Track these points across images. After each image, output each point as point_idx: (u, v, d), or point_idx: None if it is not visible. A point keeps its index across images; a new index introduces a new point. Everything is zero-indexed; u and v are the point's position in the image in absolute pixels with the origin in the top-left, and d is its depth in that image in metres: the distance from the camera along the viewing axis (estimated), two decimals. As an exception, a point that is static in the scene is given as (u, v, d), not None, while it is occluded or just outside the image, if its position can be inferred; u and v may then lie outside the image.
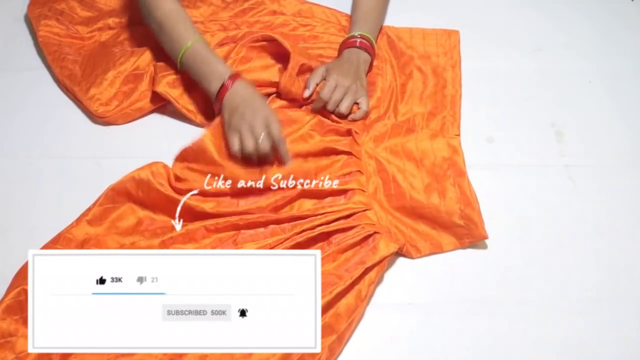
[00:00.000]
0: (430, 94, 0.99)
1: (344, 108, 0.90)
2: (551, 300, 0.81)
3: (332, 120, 0.90)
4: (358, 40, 0.96)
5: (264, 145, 0.82)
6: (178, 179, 0.83)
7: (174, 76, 0.93)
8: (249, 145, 0.81)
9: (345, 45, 0.97)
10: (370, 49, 0.97)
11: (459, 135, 0.95)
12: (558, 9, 1.17)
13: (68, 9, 1.06)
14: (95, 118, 0.95)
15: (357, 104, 0.92)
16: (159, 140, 0.94)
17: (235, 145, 0.82)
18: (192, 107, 0.94)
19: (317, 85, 0.92)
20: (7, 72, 1.02)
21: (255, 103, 0.85)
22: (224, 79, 0.86)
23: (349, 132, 0.89)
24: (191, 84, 0.93)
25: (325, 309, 0.73)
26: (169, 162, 0.91)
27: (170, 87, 0.93)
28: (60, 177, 0.90)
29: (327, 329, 0.73)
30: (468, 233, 0.83)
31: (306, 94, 0.91)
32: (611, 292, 0.82)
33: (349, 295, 0.75)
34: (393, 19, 1.10)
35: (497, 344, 0.77)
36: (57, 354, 0.71)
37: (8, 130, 0.94)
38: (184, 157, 0.86)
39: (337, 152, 0.87)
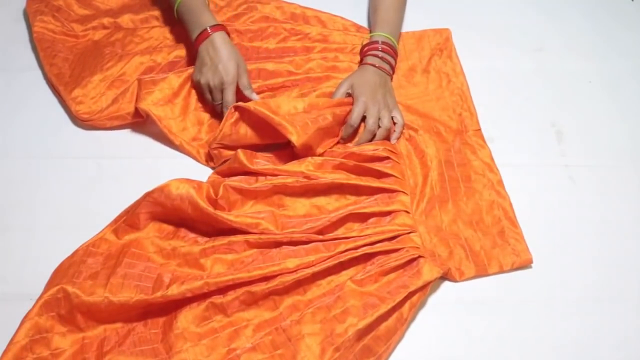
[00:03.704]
0: (440, 95, 0.99)
1: (383, 129, 0.89)
2: (551, 300, 0.81)
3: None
4: (380, 46, 0.95)
5: (222, 94, 0.89)
6: (216, 194, 0.81)
7: (159, 95, 0.91)
8: (210, 97, 0.90)
9: (366, 51, 0.96)
10: (393, 54, 0.96)
11: (479, 129, 0.95)
12: (558, 9, 1.17)
13: (65, 5, 1.06)
14: (75, 119, 0.94)
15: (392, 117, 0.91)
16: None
17: (205, 94, 0.90)
18: (175, 128, 0.91)
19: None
20: (7, 72, 1.01)
21: (227, 54, 0.89)
22: (205, 27, 0.90)
23: (387, 157, 0.87)
24: (176, 103, 0.92)
25: (366, 331, 0.73)
26: (170, 163, 0.91)
27: (154, 105, 0.90)
28: (60, 177, 0.89)
29: (365, 351, 0.73)
30: (514, 253, 0.83)
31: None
32: (611, 292, 0.82)
33: (390, 318, 0.74)
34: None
35: (497, 344, 0.77)
36: (93, 351, 0.72)
37: (7, 130, 0.94)
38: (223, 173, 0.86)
39: (380, 175, 0.86)
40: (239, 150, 0.84)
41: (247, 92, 0.91)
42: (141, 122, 0.94)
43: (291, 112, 0.87)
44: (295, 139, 0.82)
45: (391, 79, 0.97)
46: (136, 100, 0.91)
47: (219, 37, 0.90)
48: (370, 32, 1.02)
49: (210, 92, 0.90)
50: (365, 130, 0.89)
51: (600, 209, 0.90)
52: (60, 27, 1.03)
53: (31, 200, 0.87)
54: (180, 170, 0.89)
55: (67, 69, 0.98)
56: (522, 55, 1.09)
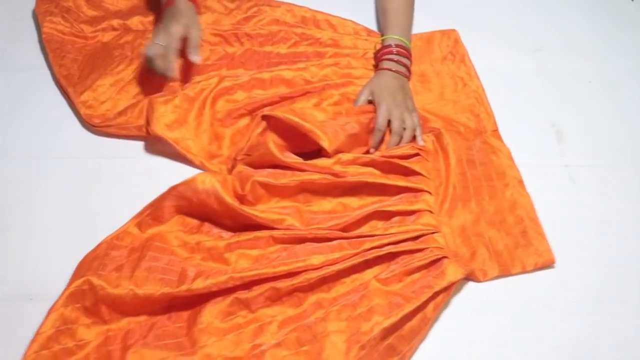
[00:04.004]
0: (456, 99, 0.99)
1: (409, 130, 0.89)
2: (551, 300, 0.81)
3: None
4: (395, 49, 0.96)
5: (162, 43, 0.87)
6: (243, 189, 0.80)
7: (172, 117, 0.88)
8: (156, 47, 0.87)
9: (381, 56, 0.96)
10: (408, 55, 0.97)
11: (496, 130, 0.95)
12: (558, 9, 1.17)
13: (75, 6, 1.06)
14: (85, 123, 0.94)
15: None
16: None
17: (149, 50, 0.87)
18: (194, 149, 0.89)
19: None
20: (7, 72, 1.01)
21: (186, 13, 0.90)
22: None
23: (416, 153, 0.87)
24: (189, 122, 0.89)
25: (391, 330, 0.73)
26: (170, 162, 0.91)
27: (168, 129, 0.88)
28: (60, 177, 0.89)
29: (389, 350, 0.73)
30: (536, 253, 0.83)
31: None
32: (611, 292, 0.82)
33: (414, 318, 0.75)
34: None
35: (496, 344, 0.77)
36: (117, 344, 0.72)
37: (8, 130, 0.94)
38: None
39: (408, 172, 0.85)
40: (270, 141, 0.83)
41: (191, 48, 0.89)
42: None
43: (318, 120, 0.86)
44: (327, 145, 0.82)
45: (408, 79, 0.97)
46: (148, 124, 0.88)
47: (183, 3, 0.91)
48: (382, 35, 1.01)
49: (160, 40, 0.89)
50: (392, 133, 0.89)
51: (600, 209, 0.90)
52: (69, 28, 1.03)
53: (31, 200, 0.87)
54: (180, 170, 0.89)
55: (75, 70, 0.98)
56: (522, 55, 1.09)
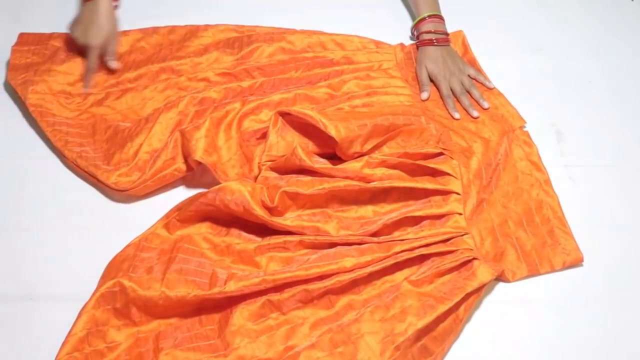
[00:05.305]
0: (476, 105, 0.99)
1: (471, 88, 0.99)
2: (551, 300, 0.81)
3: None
4: (428, 20, 1.03)
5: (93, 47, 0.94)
6: (272, 200, 0.79)
7: (206, 141, 0.84)
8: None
9: (419, 32, 1.03)
10: (442, 20, 1.04)
11: (523, 127, 0.96)
12: (558, 9, 1.17)
13: (54, 70, 0.96)
14: (115, 192, 0.86)
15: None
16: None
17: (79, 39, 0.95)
18: (230, 172, 0.86)
19: (429, 85, 1.00)
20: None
21: (103, 19, 0.94)
22: None
23: (441, 153, 0.87)
24: (221, 146, 0.87)
25: (424, 331, 0.73)
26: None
27: (206, 154, 0.84)
28: (60, 177, 0.89)
29: (423, 351, 0.73)
30: (564, 252, 0.83)
31: (424, 96, 0.98)
32: (611, 292, 0.82)
33: (446, 319, 0.75)
34: (394, 22, 1.11)
35: (496, 344, 0.77)
36: (149, 346, 0.72)
37: (8, 130, 0.94)
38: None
39: (435, 173, 0.85)
40: (297, 147, 0.82)
41: (107, 58, 0.96)
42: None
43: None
44: (335, 133, 0.81)
45: (449, 42, 1.03)
46: (185, 153, 0.86)
47: (104, 3, 0.93)
48: (415, 17, 1.06)
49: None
50: (459, 96, 0.98)
51: (600, 209, 0.90)
52: (56, 96, 0.94)
53: (31, 200, 0.87)
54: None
55: (90, 152, 0.89)
56: (522, 55, 1.09)
